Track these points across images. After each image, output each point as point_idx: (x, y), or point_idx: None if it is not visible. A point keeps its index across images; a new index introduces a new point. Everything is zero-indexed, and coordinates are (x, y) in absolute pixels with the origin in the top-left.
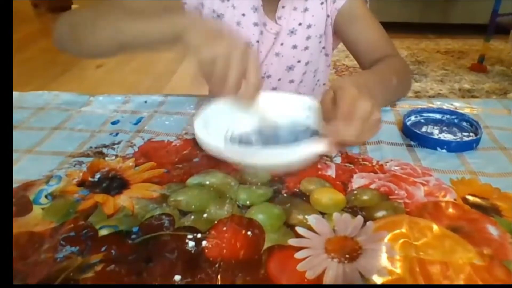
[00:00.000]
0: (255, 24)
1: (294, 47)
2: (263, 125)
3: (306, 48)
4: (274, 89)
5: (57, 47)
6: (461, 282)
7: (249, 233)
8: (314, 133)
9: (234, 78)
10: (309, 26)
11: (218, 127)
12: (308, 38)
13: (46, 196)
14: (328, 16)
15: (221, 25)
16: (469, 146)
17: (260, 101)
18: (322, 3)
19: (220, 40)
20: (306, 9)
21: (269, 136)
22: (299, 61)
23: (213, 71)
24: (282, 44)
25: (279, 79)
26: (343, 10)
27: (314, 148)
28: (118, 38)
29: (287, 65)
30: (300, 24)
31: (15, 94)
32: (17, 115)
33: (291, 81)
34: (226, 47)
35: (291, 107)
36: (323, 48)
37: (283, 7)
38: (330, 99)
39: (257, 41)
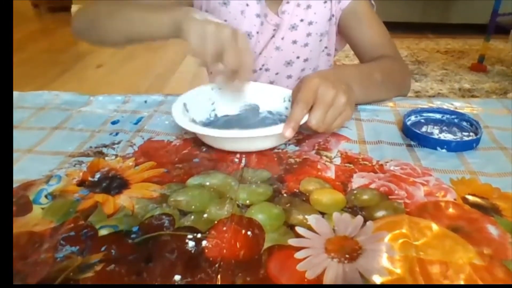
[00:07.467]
0: (257, 15)
1: (294, 42)
2: (243, 109)
3: (306, 44)
4: (271, 82)
5: (75, 36)
6: (461, 282)
7: (249, 233)
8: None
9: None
10: (310, 23)
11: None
12: (308, 34)
13: (46, 196)
14: (332, 15)
15: (213, 16)
16: (469, 146)
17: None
18: (325, 2)
19: (211, 24)
20: (308, 6)
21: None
22: (298, 57)
23: (206, 49)
24: (282, 38)
25: (277, 73)
26: (348, 10)
27: (272, 130)
28: (126, 30)
29: (286, 60)
30: (302, 20)
31: (15, 94)
32: (17, 115)
33: (289, 76)
34: (217, 28)
35: (272, 98)
36: (325, 47)
37: (287, 2)
38: (298, 89)
39: (257, 32)
